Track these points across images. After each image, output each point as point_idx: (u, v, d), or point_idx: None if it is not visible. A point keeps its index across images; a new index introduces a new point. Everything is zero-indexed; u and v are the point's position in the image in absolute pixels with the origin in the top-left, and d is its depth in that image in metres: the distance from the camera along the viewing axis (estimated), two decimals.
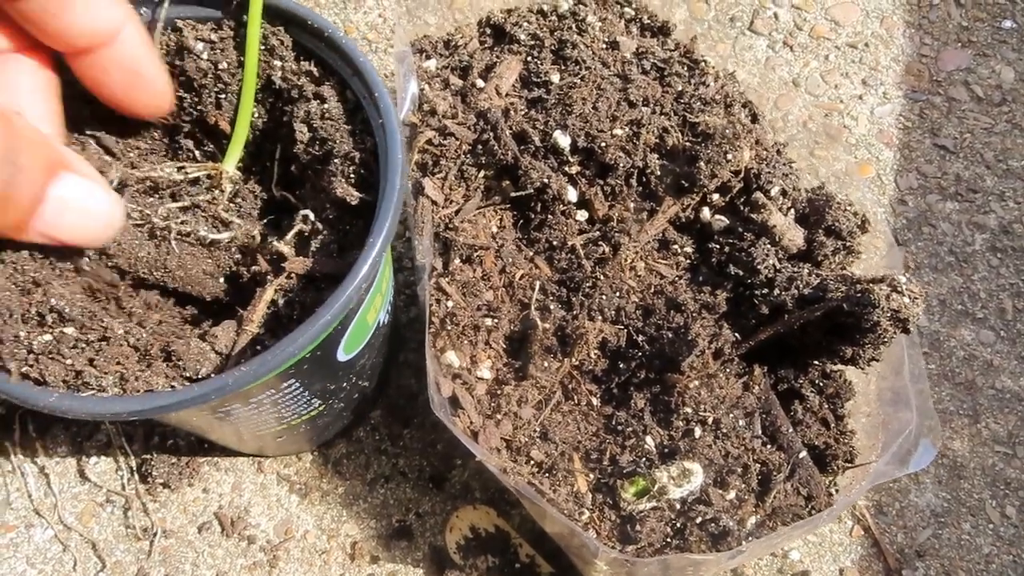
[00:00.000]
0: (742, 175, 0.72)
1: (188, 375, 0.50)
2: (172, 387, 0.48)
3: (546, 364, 0.69)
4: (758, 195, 0.71)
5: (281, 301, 0.54)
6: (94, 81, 0.51)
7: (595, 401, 0.69)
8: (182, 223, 0.55)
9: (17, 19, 0.45)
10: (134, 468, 0.79)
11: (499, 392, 0.67)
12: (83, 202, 0.46)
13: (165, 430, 0.80)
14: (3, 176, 0.40)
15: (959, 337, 0.85)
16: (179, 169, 0.57)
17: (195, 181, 0.58)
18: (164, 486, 0.78)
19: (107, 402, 0.47)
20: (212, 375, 0.50)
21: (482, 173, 0.72)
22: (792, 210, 0.73)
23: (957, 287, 0.87)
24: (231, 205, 0.59)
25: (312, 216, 0.56)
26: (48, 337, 0.48)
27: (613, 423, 0.67)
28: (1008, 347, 0.84)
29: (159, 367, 0.49)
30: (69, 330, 0.48)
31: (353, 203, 0.55)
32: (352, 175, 0.56)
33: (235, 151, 0.58)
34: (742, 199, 0.73)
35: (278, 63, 0.59)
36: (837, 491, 0.69)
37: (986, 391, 0.83)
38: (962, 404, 0.82)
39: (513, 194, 0.71)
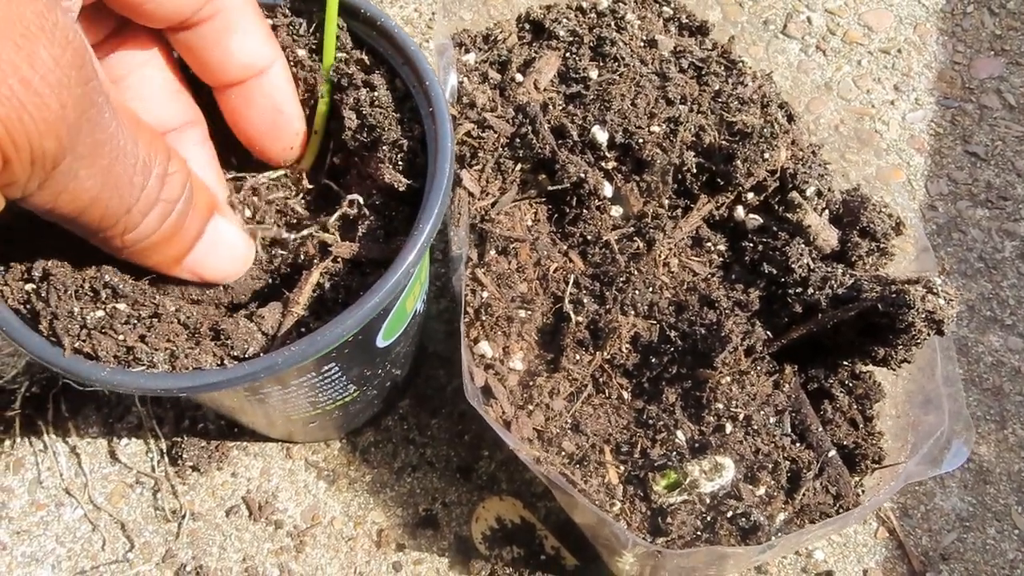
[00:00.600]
0: (778, 175, 0.72)
1: (235, 354, 0.50)
2: (221, 364, 0.49)
3: (578, 357, 0.69)
4: (794, 195, 0.71)
5: (327, 284, 0.54)
6: (237, 115, 0.54)
7: (626, 395, 0.70)
8: (264, 226, 0.57)
9: (180, 49, 0.49)
10: (164, 450, 0.79)
11: (531, 383, 0.68)
12: (231, 242, 0.51)
13: (195, 414, 0.81)
14: (181, 209, 0.44)
15: (987, 343, 0.85)
16: (272, 175, 0.58)
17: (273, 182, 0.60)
18: (193, 469, 0.79)
19: (158, 378, 0.47)
20: (259, 354, 0.50)
21: (519, 166, 0.72)
22: (827, 211, 0.73)
23: (986, 293, 0.87)
24: (303, 203, 0.60)
25: (360, 200, 0.56)
26: (101, 313, 0.48)
27: (644, 417, 0.68)
28: None
29: (207, 345, 0.50)
30: (122, 306, 0.49)
31: (401, 189, 0.56)
32: (400, 162, 0.56)
33: (313, 149, 0.59)
34: (777, 198, 0.73)
35: (342, 55, 0.59)
36: (864, 491, 0.70)
37: (1013, 397, 0.83)
38: (989, 410, 0.82)
39: (549, 188, 0.72)
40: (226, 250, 0.51)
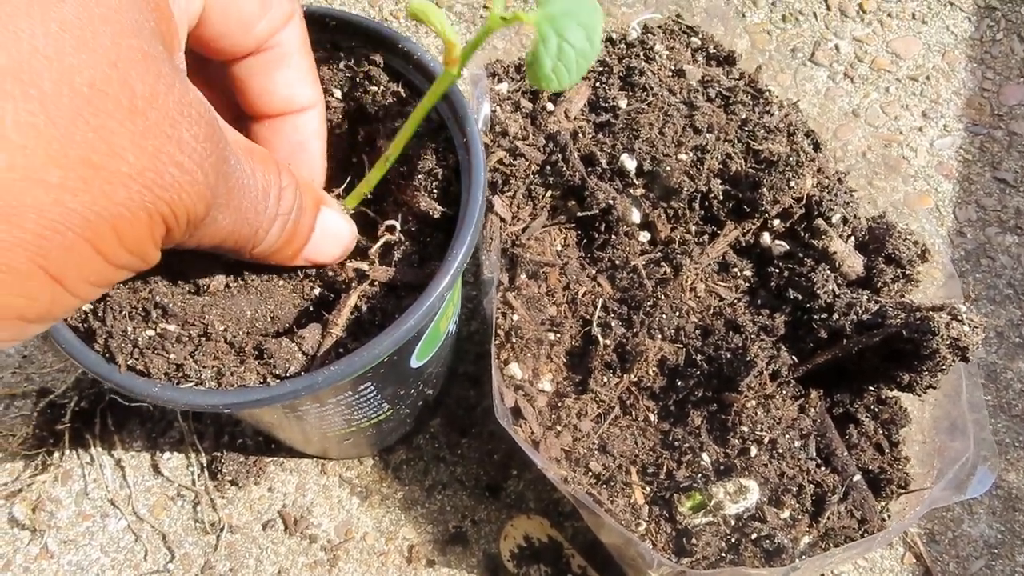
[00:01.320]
0: (804, 202, 0.74)
1: (277, 372, 0.53)
2: (264, 382, 0.51)
3: (605, 379, 0.71)
4: (819, 222, 0.72)
5: (364, 307, 0.57)
6: (261, 140, 0.56)
7: (652, 417, 0.71)
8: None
9: (227, 79, 0.51)
10: (204, 465, 0.82)
11: (559, 404, 0.70)
12: (336, 230, 0.55)
13: (234, 429, 0.84)
14: (295, 216, 0.49)
15: (1016, 369, 0.85)
16: None
17: None
18: (232, 483, 0.81)
19: (206, 395, 0.50)
20: (300, 373, 0.53)
21: (549, 193, 0.74)
22: (852, 237, 0.75)
23: (1015, 319, 0.87)
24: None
25: (398, 227, 0.59)
26: (152, 332, 0.51)
27: (670, 439, 0.69)
28: None
29: (251, 364, 0.52)
30: (172, 327, 0.52)
31: (435, 216, 0.58)
32: (435, 190, 0.59)
33: (358, 196, 0.61)
34: (803, 225, 0.74)
35: (374, 88, 0.62)
36: (889, 516, 0.70)
37: None
38: (1018, 436, 0.82)
39: (579, 214, 0.74)
40: (333, 238, 0.54)
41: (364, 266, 0.59)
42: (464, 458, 0.82)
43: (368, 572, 0.78)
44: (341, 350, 0.55)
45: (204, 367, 0.51)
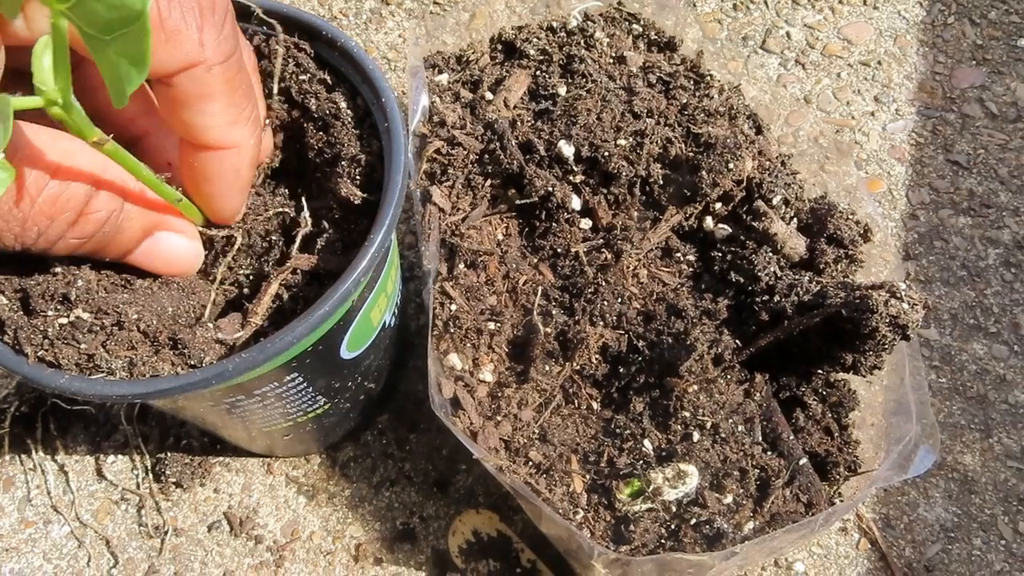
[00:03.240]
0: (744, 184, 0.73)
1: (193, 363, 0.52)
2: (176, 372, 0.50)
3: (547, 368, 0.70)
4: (759, 203, 0.72)
5: (286, 296, 0.56)
6: (182, 162, 0.55)
7: (595, 405, 0.70)
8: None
9: (158, 91, 0.50)
10: (149, 467, 0.81)
11: (500, 394, 0.68)
12: (168, 252, 0.55)
13: (180, 431, 0.82)
14: (108, 232, 0.49)
15: (971, 351, 0.84)
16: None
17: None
18: (177, 485, 0.80)
19: (114, 385, 0.49)
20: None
21: (489, 182, 0.74)
22: (795, 219, 0.74)
23: (969, 301, 0.87)
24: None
25: (308, 215, 0.58)
26: (64, 320, 0.50)
27: (612, 426, 0.68)
28: (1021, 362, 0.83)
29: (166, 354, 0.51)
30: (85, 314, 0.50)
31: (357, 203, 0.57)
32: (358, 176, 0.58)
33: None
34: (744, 208, 0.74)
35: (304, 76, 0.61)
36: (841, 500, 0.69)
37: (998, 405, 0.82)
38: (973, 418, 0.81)
39: (518, 202, 0.73)
40: (163, 258, 0.54)
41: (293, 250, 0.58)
42: (413, 454, 0.81)
43: (315, 572, 0.76)
44: (262, 339, 0.54)
45: (117, 357, 0.50)
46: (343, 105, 0.61)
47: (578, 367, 0.70)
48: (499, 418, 0.67)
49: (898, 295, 0.63)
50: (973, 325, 0.85)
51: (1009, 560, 0.76)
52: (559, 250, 0.73)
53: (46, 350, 0.50)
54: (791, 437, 0.68)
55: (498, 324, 0.70)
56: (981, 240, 0.89)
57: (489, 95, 0.78)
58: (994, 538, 0.77)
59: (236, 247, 0.58)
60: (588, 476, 0.65)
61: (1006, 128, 0.95)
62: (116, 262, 0.53)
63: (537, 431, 0.68)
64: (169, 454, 0.80)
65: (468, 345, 0.69)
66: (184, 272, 0.56)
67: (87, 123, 0.41)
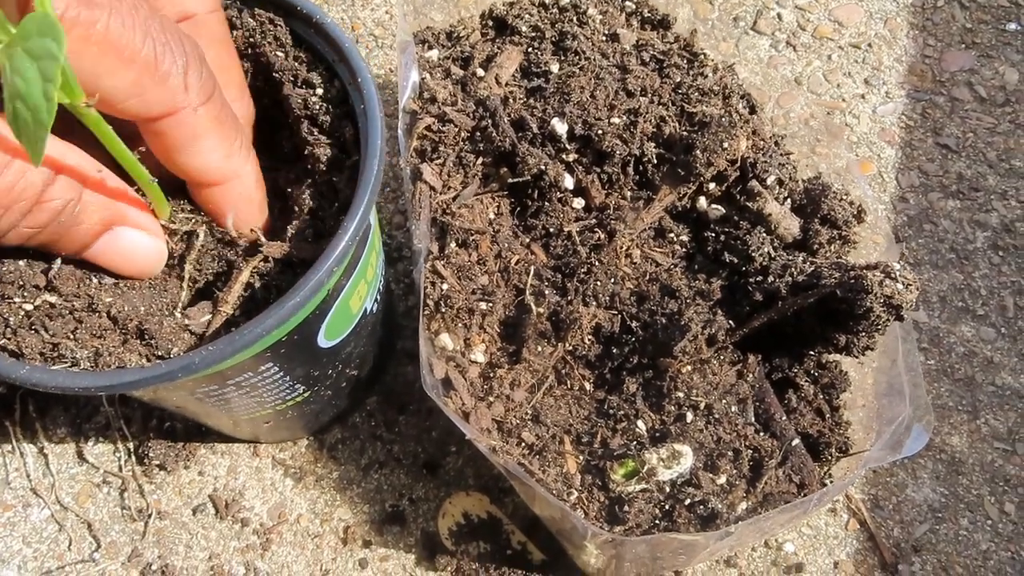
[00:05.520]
0: (738, 164, 0.72)
1: (160, 354, 0.50)
2: (142, 364, 0.49)
3: (540, 348, 0.69)
4: (754, 183, 0.71)
5: (258, 284, 0.54)
6: (204, 207, 0.56)
7: (588, 385, 0.69)
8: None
9: (149, 138, 0.50)
10: (131, 450, 0.79)
11: (492, 375, 0.68)
12: (128, 248, 0.52)
13: (163, 413, 0.81)
14: (64, 221, 0.47)
15: (959, 333, 0.85)
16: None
17: None
18: (160, 468, 0.78)
19: (76, 377, 0.47)
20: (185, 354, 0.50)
21: (480, 160, 0.72)
22: (789, 200, 0.73)
23: (958, 284, 0.87)
24: None
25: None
26: (30, 306, 0.48)
27: (605, 407, 0.67)
28: (1009, 344, 0.84)
29: (133, 344, 0.49)
30: (54, 298, 0.49)
31: (332, 188, 0.55)
32: (334, 161, 0.56)
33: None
34: (738, 188, 0.73)
35: (280, 54, 0.60)
36: (832, 481, 0.69)
37: (986, 387, 0.82)
38: (961, 400, 0.82)
39: (511, 181, 0.72)
40: (122, 255, 0.52)
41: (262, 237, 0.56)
42: (402, 436, 0.80)
43: (302, 555, 0.75)
44: (233, 329, 0.52)
45: (83, 347, 0.48)
46: (318, 84, 0.59)
47: (571, 347, 0.69)
48: (491, 399, 0.66)
49: (892, 275, 0.63)
50: (961, 308, 0.86)
51: (995, 540, 0.76)
52: (552, 229, 0.73)
53: (8, 338, 0.48)
54: (783, 418, 0.68)
55: (490, 304, 0.69)
56: (969, 223, 0.90)
57: (480, 72, 0.77)
58: (980, 518, 0.77)
59: (200, 242, 0.56)
60: (582, 457, 0.65)
61: (994, 112, 0.96)
62: (73, 259, 0.51)
63: (530, 412, 0.67)
64: (152, 437, 0.79)
65: (460, 325, 0.68)
66: (144, 272, 0.54)
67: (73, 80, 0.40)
